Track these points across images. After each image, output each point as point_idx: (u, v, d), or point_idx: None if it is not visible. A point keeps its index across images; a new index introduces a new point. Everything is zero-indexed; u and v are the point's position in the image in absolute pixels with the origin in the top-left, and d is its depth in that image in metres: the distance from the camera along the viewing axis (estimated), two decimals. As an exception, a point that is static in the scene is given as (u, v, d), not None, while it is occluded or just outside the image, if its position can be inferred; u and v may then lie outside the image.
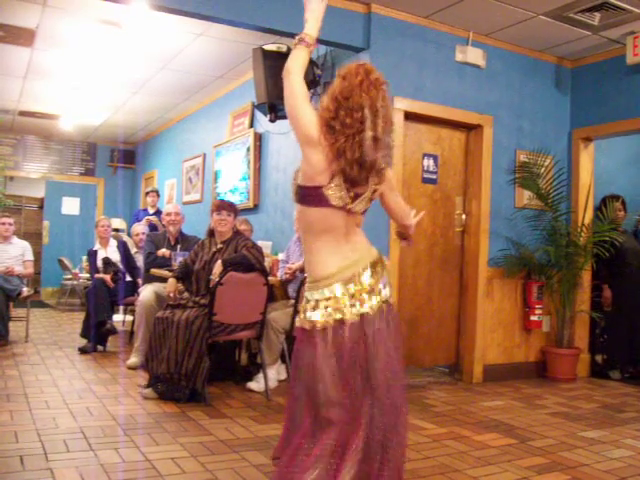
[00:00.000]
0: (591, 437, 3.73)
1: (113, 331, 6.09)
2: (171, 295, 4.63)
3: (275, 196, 6.26)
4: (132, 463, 2.94)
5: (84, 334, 5.95)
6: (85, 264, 7.74)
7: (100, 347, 5.97)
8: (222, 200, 5.10)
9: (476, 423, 3.96)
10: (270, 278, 4.69)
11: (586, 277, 5.73)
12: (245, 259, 4.41)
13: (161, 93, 7.93)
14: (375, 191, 2.12)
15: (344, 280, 2.06)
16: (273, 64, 4.93)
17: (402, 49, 5.01)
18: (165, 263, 5.54)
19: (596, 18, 4.86)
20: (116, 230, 8.70)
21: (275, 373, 4.68)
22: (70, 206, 11.69)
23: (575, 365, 5.58)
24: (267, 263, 5.02)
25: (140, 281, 6.17)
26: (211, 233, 4.78)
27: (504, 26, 5.15)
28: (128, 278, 6.42)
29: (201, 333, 4.16)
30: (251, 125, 6.74)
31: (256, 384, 4.61)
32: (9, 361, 5.29)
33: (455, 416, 4.13)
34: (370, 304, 2.07)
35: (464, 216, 5.46)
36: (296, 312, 4.50)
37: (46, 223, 11.61)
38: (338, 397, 2.01)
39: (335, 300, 2.05)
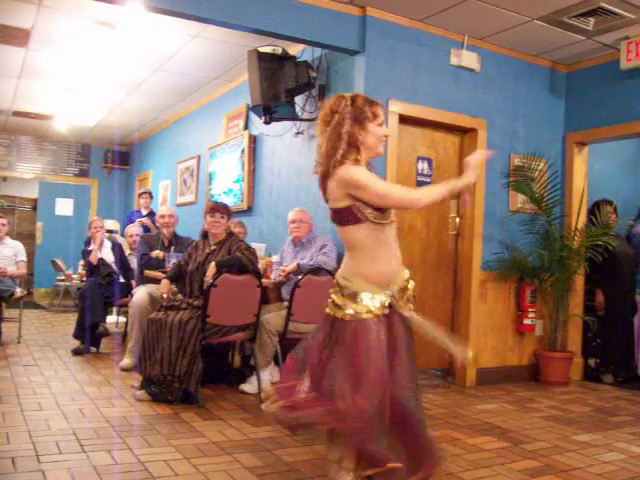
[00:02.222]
0: (584, 440, 3.75)
1: (106, 333, 6.06)
2: (164, 296, 4.62)
3: (269, 198, 6.26)
4: (125, 465, 2.93)
5: (77, 335, 5.92)
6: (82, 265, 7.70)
7: (93, 348, 5.94)
8: (215, 202, 5.08)
9: (469, 426, 3.97)
10: (264, 280, 4.69)
11: (579, 281, 5.75)
12: (239, 261, 4.41)
13: (156, 94, 7.92)
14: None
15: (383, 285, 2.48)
16: (268, 66, 4.92)
17: (397, 52, 5.02)
18: (159, 265, 5.53)
19: (590, 23, 4.89)
20: (110, 232, 8.67)
21: (268, 375, 4.66)
22: (64, 207, 11.65)
23: (568, 369, 5.60)
24: (261, 265, 5.01)
25: (134, 282, 6.15)
26: (205, 235, 4.77)
27: (499, 30, 5.17)
28: (122, 279, 6.40)
29: (195, 335, 4.15)
30: (246, 127, 6.74)
31: (249, 386, 4.60)
32: (1, 362, 5.26)
33: (448, 419, 4.13)
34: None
35: (458, 219, 5.47)
36: (290, 314, 4.51)
37: (39, 224, 11.56)
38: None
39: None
